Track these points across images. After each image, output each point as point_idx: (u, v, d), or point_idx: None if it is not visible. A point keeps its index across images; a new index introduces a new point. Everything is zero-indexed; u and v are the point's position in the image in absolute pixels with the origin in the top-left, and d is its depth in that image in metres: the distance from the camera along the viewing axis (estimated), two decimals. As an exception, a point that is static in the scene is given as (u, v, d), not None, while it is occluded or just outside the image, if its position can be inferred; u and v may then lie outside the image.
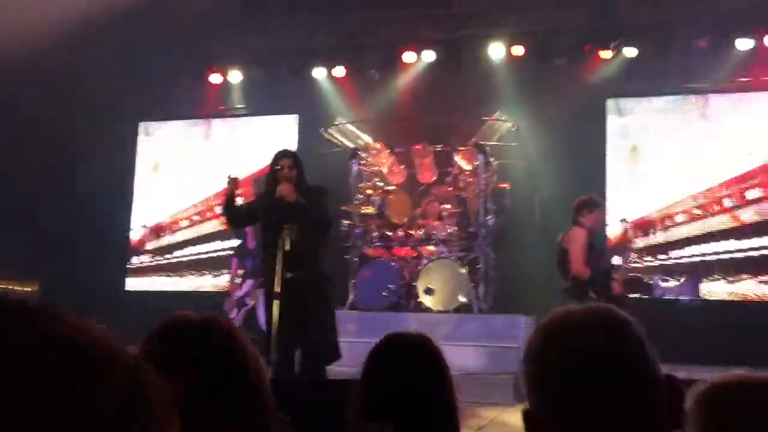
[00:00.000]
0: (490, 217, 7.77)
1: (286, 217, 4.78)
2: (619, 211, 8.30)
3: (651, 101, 8.59)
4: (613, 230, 8.33)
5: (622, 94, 8.63)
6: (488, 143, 7.94)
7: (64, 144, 9.23)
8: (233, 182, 5.18)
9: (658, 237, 8.35)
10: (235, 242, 8.64)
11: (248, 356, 1.19)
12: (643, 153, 8.50)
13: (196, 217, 9.98)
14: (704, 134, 8.28)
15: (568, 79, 8.47)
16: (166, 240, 10.04)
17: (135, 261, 10.03)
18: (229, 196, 5.23)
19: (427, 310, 7.25)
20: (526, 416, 1.03)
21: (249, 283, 7.89)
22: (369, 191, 7.98)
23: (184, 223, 9.99)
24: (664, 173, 8.34)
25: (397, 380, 1.72)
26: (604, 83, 8.50)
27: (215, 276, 9.64)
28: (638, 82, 8.47)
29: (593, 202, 6.16)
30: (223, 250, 9.62)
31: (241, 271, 8.12)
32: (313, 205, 4.89)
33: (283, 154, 5.11)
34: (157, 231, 10.05)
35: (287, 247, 4.63)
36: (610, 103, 8.62)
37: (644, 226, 8.39)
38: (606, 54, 8.34)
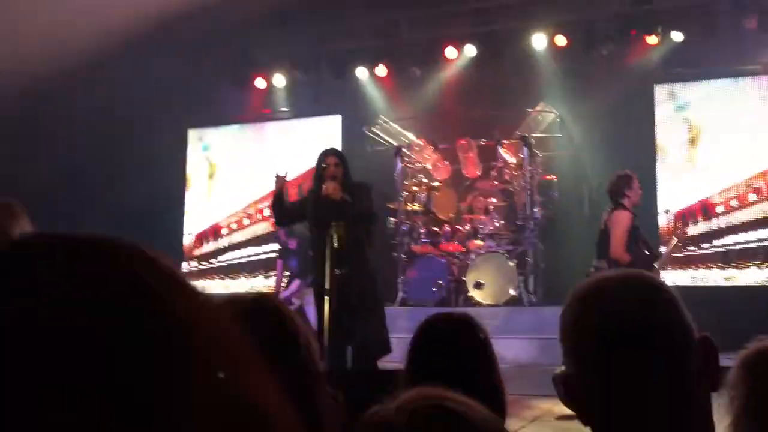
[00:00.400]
0: (537, 209, 7.72)
1: (332, 215, 4.84)
2: (670, 200, 8.14)
3: (701, 85, 8.38)
4: (661, 219, 8.17)
5: (671, 79, 8.43)
6: (533, 135, 7.89)
7: (114, 153, 9.49)
8: (281, 180, 5.27)
9: (712, 224, 8.17)
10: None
11: (299, 332, 1.23)
12: (696, 139, 8.32)
13: (246, 220, 10.15)
14: (763, 118, 8.00)
15: (613, 66, 8.32)
16: (218, 243, 10.23)
17: (188, 265, 10.25)
18: (277, 195, 5.31)
19: (477, 304, 7.24)
20: (559, 380, 1.05)
21: (295, 283, 7.98)
22: (414, 188, 8.01)
23: (235, 225, 10.18)
24: (719, 159, 8.11)
25: (441, 358, 1.74)
26: (651, 69, 8.34)
27: (267, 277, 9.79)
28: (687, 66, 8.28)
29: (629, 177, 5.94)
30: (274, 251, 9.76)
31: (286, 273, 8.23)
32: (357, 200, 4.94)
33: (328, 153, 5.18)
34: (209, 235, 10.25)
35: (335, 243, 4.70)
36: (658, 90, 8.44)
37: (695, 215, 8.22)
38: (652, 39, 8.18)
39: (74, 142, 9.04)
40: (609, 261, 5.72)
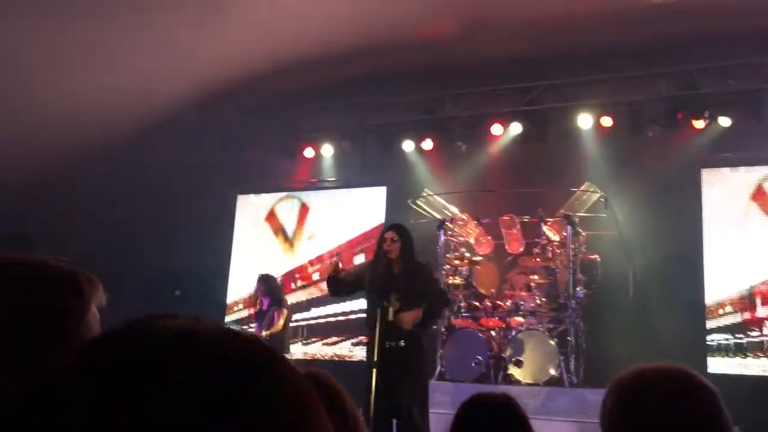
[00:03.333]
0: (579, 288, 7.65)
1: (390, 289, 4.92)
2: (717, 284, 8.00)
3: (747, 171, 8.34)
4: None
5: (718, 164, 8.42)
6: (577, 214, 7.89)
7: (165, 217, 9.75)
8: (335, 266, 5.50)
9: (758, 312, 7.98)
10: (332, 309, 8.83)
11: (347, 405, 1.28)
12: (741, 225, 8.22)
13: (292, 284, 10.23)
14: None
15: (659, 148, 8.35)
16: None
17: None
18: (330, 274, 5.52)
19: (516, 382, 7.13)
20: None
21: None
22: (456, 262, 8.02)
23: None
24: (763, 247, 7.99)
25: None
26: (698, 153, 8.34)
27: (305, 344, 9.81)
28: (734, 151, 8.26)
29: None
30: (321, 317, 9.82)
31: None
32: (423, 282, 5.07)
33: (388, 227, 5.31)
34: (250, 300, 10.34)
35: (390, 317, 4.76)
36: (705, 173, 8.41)
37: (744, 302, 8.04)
38: (699, 123, 8.21)
39: (127, 204, 9.32)
40: None
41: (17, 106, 8.04)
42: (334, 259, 5.68)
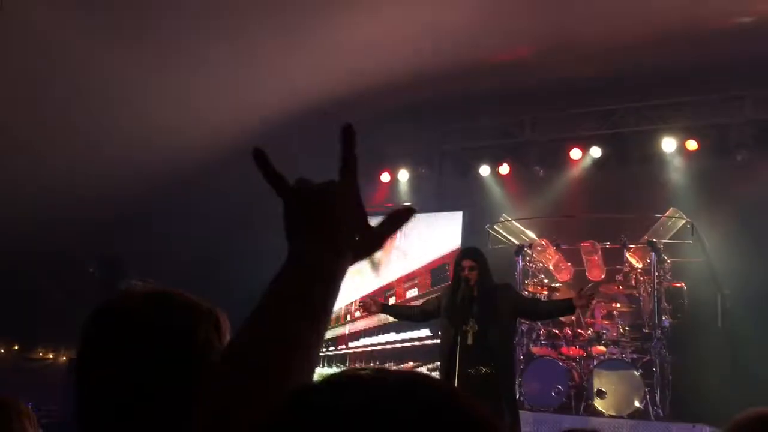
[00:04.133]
0: (665, 317, 7.40)
1: (469, 313, 4.89)
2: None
3: None
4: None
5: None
6: (661, 241, 7.66)
7: (243, 241, 9.94)
8: (368, 309, 5.73)
9: None
10: (406, 334, 8.79)
11: None
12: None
13: (357, 313, 10.26)
14: None
15: (747, 172, 8.06)
16: (335, 332, 10.38)
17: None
18: (384, 313, 5.82)
19: (599, 413, 6.93)
20: None
21: None
22: (535, 289, 7.89)
23: (349, 317, 10.31)
24: None
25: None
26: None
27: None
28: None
29: None
30: (387, 343, 9.81)
31: None
32: (510, 302, 5.08)
33: (464, 255, 5.26)
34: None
35: (469, 341, 4.73)
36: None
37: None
38: (790, 146, 7.90)
39: (208, 230, 9.56)
40: None
41: (113, 133, 8.39)
42: (366, 303, 5.78)
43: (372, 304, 5.64)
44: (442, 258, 9.59)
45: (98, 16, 6.89)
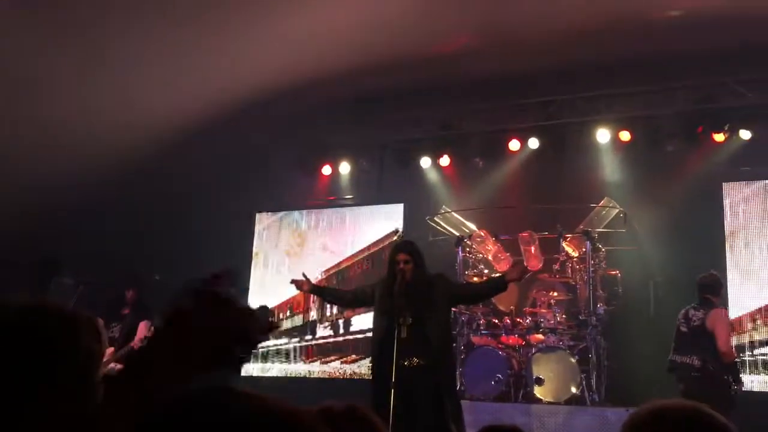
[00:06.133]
0: (600, 304, 7.57)
1: (403, 306, 4.90)
2: (740, 300, 7.89)
3: (769, 184, 8.23)
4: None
5: (739, 177, 8.31)
6: (596, 230, 7.83)
7: (184, 234, 9.79)
8: (299, 286, 5.70)
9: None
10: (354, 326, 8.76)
11: None
12: (764, 239, 8.11)
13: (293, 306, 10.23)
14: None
15: (678, 163, 8.27)
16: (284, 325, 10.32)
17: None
18: (311, 293, 5.82)
19: (537, 400, 7.06)
20: None
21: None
22: (475, 279, 7.98)
23: (288, 312, 10.27)
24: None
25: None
26: (719, 167, 8.25)
27: (324, 362, 9.79)
28: (754, 164, 8.17)
29: (720, 280, 6.42)
30: (330, 336, 9.80)
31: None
32: (444, 291, 5.09)
33: (399, 249, 5.26)
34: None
35: (403, 334, 4.74)
36: (727, 187, 8.31)
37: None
38: (719, 137, 8.13)
39: (149, 222, 9.38)
40: (713, 357, 5.99)
41: (44, 125, 8.13)
42: (298, 280, 5.74)
43: (303, 282, 5.62)
44: (382, 249, 9.62)
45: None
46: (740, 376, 6.33)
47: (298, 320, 10.18)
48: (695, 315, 6.28)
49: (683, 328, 6.33)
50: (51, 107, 7.92)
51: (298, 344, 10.09)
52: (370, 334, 9.08)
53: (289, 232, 10.48)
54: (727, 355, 6.08)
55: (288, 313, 10.24)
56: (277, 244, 10.50)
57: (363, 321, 9.44)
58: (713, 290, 6.34)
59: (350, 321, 9.74)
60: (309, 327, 10.10)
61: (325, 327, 9.95)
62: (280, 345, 10.18)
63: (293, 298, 10.07)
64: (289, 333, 10.17)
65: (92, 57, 7.46)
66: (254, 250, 10.57)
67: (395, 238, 9.13)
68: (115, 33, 7.13)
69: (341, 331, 9.82)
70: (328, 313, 9.93)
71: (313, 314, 10.06)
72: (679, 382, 6.21)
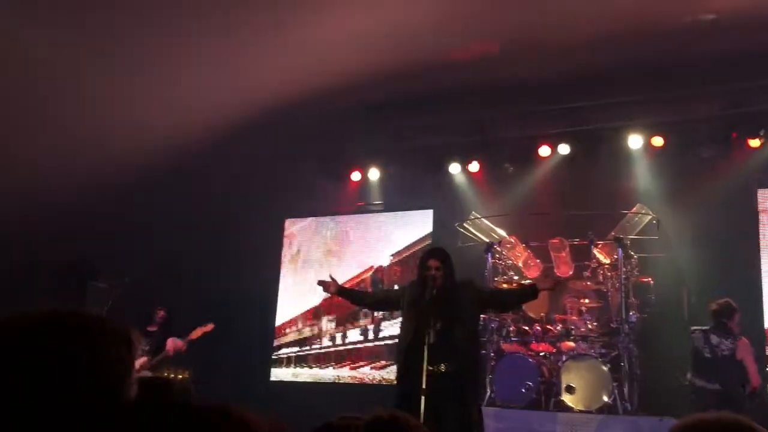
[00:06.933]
0: (632, 312, 7.48)
1: (431, 312, 4.89)
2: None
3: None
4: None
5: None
6: (628, 237, 7.73)
7: (216, 240, 9.89)
8: (326, 288, 5.63)
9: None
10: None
11: None
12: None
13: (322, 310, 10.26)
14: None
15: (713, 168, 8.15)
16: (307, 331, 10.36)
17: (280, 352, 10.38)
18: (337, 295, 5.69)
19: (568, 408, 6.99)
20: None
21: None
22: (505, 285, 7.93)
23: (312, 318, 10.31)
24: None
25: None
26: (754, 172, 8.11)
27: (353, 368, 9.80)
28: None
29: (733, 306, 6.55)
30: (360, 342, 9.81)
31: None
32: (474, 297, 5.08)
33: (430, 255, 5.23)
34: (298, 322, 10.40)
35: (431, 340, 4.72)
36: (762, 194, 8.17)
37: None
38: (754, 142, 8.00)
39: (179, 230, 9.48)
40: (737, 384, 6.23)
41: (74, 134, 8.28)
42: (326, 280, 5.69)
43: (330, 283, 5.60)
44: (411, 255, 9.62)
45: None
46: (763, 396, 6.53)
47: (330, 325, 10.22)
48: (723, 344, 6.43)
49: (707, 354, 6.46)
50: (82, 110, 8.04)
51: (327, 349, 10.12)
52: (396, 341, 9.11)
53: (319, 238, 10.53)
54: (757, 386, 6.31)
55: (312, 320, 10.29)
56: (308, 250, 10.55)
57: (393, 328, 9.45)
58: (729, 316, 6.47)
59: (380, 327, 9.74)
60: (340, 332, 10.13)
61: (356, 332, 9.96)
62: (308, 350, 10.22)
63: (324, 301, 10.11)
64: (317, 338, 10.22)
65: (123, 62, 7.56)
66: (283, 255, 10.63)
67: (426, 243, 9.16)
68: (142, 38, 7.22)
69: (371, 336, 9.83)
70: (360, 320, 9.94)
71: (336, 320, 10.09)
72: (699, 401, 6.35)
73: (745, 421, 1.07)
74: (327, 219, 10.51)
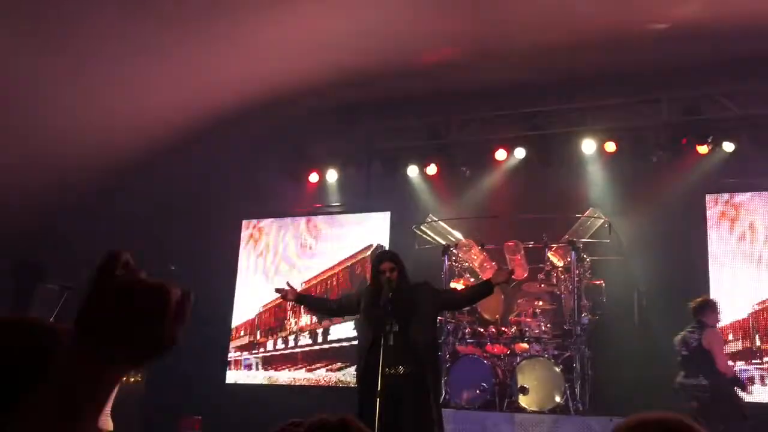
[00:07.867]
0: (584, 314, 7.62)
1: (389, 314, 4.91)
2: (723, 309, 7.95)
3: (753, 196, 8.32)
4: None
5: (722, 189, 8.40)
6: (581, 240, 7.88)
7: (171, 242, 9.77)
8: (284, 296, 5.65)
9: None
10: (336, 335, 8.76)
11: None
12: (747, 250, 8.19)
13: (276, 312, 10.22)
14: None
15: (663, 174, 8.36)
16: (261, 334, 10.30)
17: (234, 354, 10.30)
18: (295, 302, 5.75)
19: (522, 409, 7.09)
20: None
21: None
22: (460, 287, 8.00)
23: (273, 318, 10.26)
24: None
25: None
26: (703, 178, 8.33)
27: (309, 370, 9.77)
28: (739, 176, 8.25)
29: (713, 302, 6.77)
30: (318, 343, 9.79)
31: None
32: (430, 300, 5.12)
33: (383, 257, 5.26)
34: (254, 325, 10.33)
35: (390, 342, 4.75)
36: (710, 199, 8.40)
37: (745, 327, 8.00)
38: (703, 149, 8.21)
39: (134, 231, 9.34)
40: (713, 376, 6.39)
41: (26, 133, 8.10)
42: (278, 289, 5.72)
43: (288, 291, 5.59)
44: (359, 262, 9.68)
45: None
46: (744, 384, 6.85)
47: (285, 326, 10.18)
48: (692, 337, 6.61)
49: (684, 352, 6.67)
50: (35, 109, 7.88)
51: (282, 351, 10.08)
52: (353, 342, 9.11)
53: (276, 239, 10.48)
54: (727, 373, 6.50)
55: (273, 320, 10.24)
56: (265, 251, 10.49)
57: (342, 330, 9.48)
58: (704, 312, 6.65)
59: (329, 330, 9.75)
60: (292, 335, 10.09)
61: (305, 336, 9.94)
62: (266, 353, 10.17)
63: (278, 305, 10.07)
64: (273, 340, 10.17)
65: (78, 61, 7.43)
66: (241, 256, 10.55)
67: (371, 251, 9.19)
68: (102, 34, 7.10)
69: (319, 339, 9.83)
70: (305, 323, 9.93)
71: (293, 323, 10.07)
72: (692, 400, 6.49)
73: (685, 420, 1.11)
74: (286, 220, 10.46)
